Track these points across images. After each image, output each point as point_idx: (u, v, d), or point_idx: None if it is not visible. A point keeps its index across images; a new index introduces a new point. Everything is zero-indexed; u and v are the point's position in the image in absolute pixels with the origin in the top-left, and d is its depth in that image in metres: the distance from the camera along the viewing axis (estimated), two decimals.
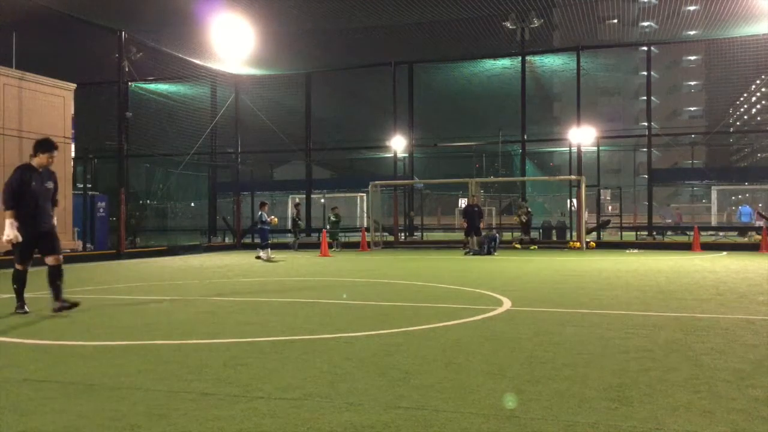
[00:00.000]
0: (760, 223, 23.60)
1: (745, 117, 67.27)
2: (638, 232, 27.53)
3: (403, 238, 27.07)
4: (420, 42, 26.88)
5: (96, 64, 24.54)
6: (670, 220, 34.13)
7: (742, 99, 54.90)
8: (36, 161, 7.72)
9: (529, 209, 24.63)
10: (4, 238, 7.32)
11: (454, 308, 7.85)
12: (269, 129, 27.51)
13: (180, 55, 24.62)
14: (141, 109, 24.23)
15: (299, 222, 24.83)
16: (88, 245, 19.87)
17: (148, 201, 26.68)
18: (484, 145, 30.45)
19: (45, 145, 7.78)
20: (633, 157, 35.84)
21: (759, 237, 20.87)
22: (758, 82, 33.60)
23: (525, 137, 26.51)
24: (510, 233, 28.97)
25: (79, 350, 5.51)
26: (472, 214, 20.63)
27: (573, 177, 24.82)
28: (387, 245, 25.00)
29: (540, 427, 3.34)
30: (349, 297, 9.08)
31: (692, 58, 70.55)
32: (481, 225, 22.09)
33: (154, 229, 25.66)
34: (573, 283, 10.79)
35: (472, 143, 31.06)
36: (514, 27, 25.17)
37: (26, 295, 7.59)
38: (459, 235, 30.52)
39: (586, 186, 23.40)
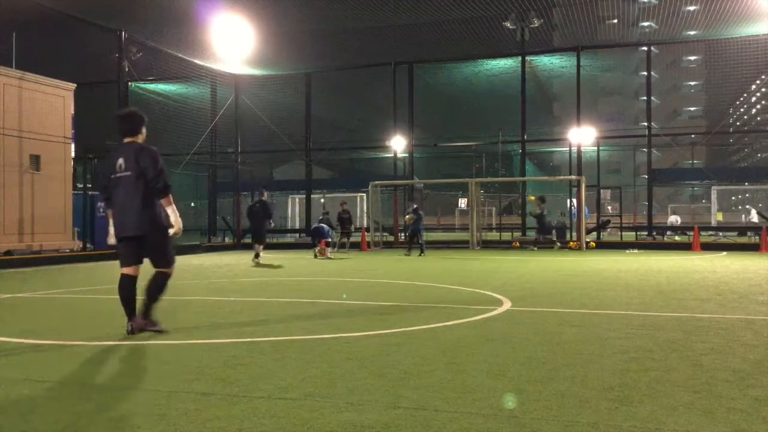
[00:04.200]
0: None
1: (745, 117, 67.24)
2: (638, 232, 27.54)
3: (403, 238, 27.04)
4: (420, 42, 26.87)
5: (96, 64, 24.53)
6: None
7: (742, 99, 54.86)
8: (141, 138, 6.39)
9: (540, 210, 23.01)
10: (177, 228, 6.16)
11: (454, 308, 7.85)
12: (269, 129, 27.52)
13: (180, 55, 24.62)
14: (141, 109, 24.11)
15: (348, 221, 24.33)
16: (88, 245, 19.88)
17: None
18: (484, 145, 30.44)
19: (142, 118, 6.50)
20: (633, 157, 35.84)
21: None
22: (758, 82, 33.59)
23: (525, 137, 26.51)
24: (510, 233, 28.98)
25: (79, 350, 5.51)
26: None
27: (573, 177, 24.82)
28: (387, 245, 24.99)
29: (540, 427, 3.34)
30: (349, 297, 9.08)
31: (692, 58, 70.49)
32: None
33: None
34: (573, 283, 10.79)
35: (472, 143, 31.06)
36: (514, 27, 25.16)
37: (26, 294, 7.55)
38: (459, 236, 30.55)
39: (586, 186, 23.39)
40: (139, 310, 6.05)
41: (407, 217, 20.13)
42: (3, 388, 4.25)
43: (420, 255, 19.36)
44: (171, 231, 6.13)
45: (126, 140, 6.24)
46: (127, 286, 6.04)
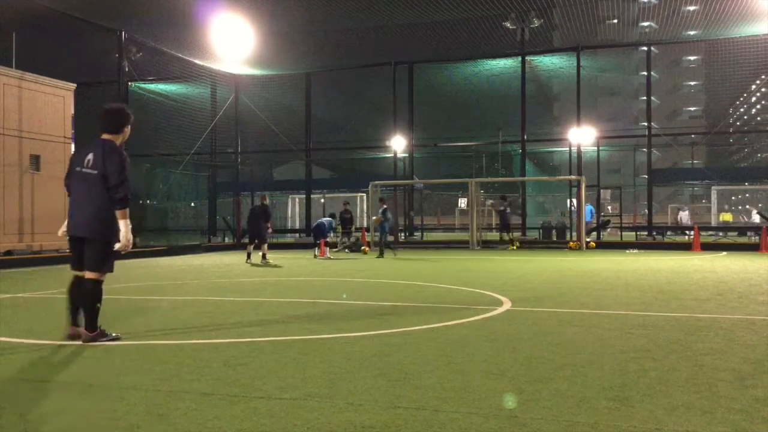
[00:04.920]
0: None
1: (745, 117, 67.32)
2: (638, 232, 27.54)
3: (403, 238, 27.06)
4: (420, 42, 26.87)
5: (96, 64, 24.52)
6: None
7: (742, 99, 54.91)
8: (122, 138, 6.02)
9: (503, 207, 23.40)
10: (126, 243, 5.73)
11: (454, 308, 7.85)
12: (269, 129, 27.52)
13: (180, 55, 24.62)
14: (141, 109, 24.21)
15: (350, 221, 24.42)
16: None
17: (148, 201, 26.69)
18: (484, 145, 30.44)
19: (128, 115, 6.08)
20: (633, 157, 35.83)
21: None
22: (758, 82, 33.59)
23: (525, 137, 26.51)
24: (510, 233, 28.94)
25: (79, 350, 5.50)
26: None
27: (573, 177, 24.82)
28: (387, 245, 24.95)
29: (540, 427, 3.34)
30: (349, 297, 9.08)
31: (692, 58, 70.60)
32: None
33: (154, 229, 25.68)
34: (573, 283, 10.79)
35: (472, 143, 31.06)
36: (514, 27, 25.17)
37: (26, 294, 7.53)
38: (459, 236, 30.55)
39: (586, 186, 23.40)
40: (86, 324, 5.68)
41: (374, 218, 19.93)
42: (3, 388, 4.25)
43: (378, 257, 18.98)
44: (118, 246, 5.73)
45: (104, 136, 5.91)
46: (73, 288, 5.82)
